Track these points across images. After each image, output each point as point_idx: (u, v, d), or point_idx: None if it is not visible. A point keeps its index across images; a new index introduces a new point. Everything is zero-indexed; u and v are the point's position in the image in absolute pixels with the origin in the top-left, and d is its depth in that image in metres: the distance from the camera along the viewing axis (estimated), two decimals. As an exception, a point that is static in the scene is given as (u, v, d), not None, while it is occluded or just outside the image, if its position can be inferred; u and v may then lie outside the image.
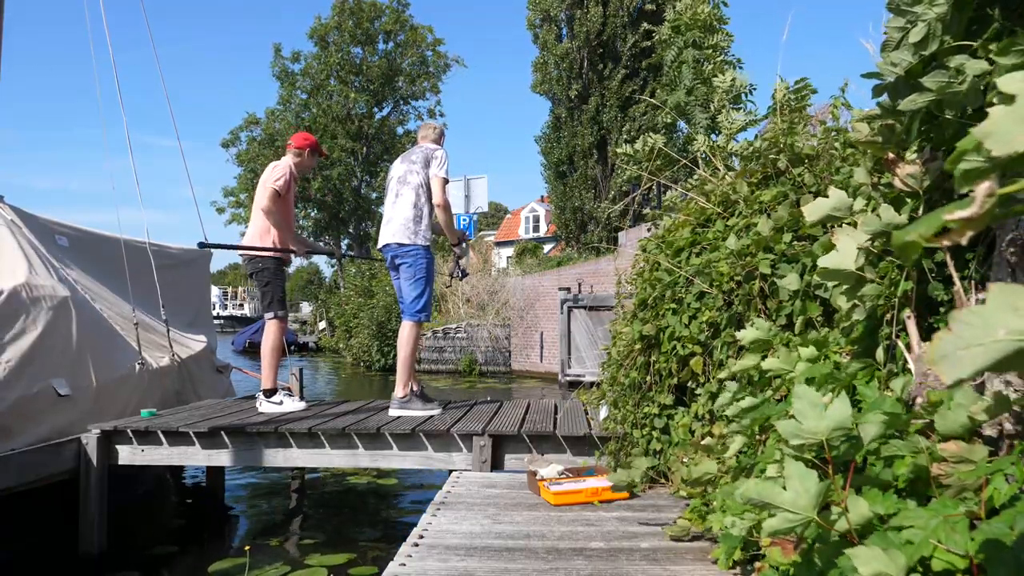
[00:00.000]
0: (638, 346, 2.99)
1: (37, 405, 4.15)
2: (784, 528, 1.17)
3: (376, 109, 33.17)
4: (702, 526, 2.27)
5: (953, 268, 1.49)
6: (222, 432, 4.03)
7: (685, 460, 2.57)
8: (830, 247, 1.59)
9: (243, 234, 5.04)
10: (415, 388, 4.54)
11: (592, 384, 3.85)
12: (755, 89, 4.03)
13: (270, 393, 4.73)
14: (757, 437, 1.87)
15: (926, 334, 1.56)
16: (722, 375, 2.43)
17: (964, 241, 0.71)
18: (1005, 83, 0.73)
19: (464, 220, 14.27)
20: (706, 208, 2.94)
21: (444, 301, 19.52)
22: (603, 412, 3.49)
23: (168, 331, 5.75)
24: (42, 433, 4.07)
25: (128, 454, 4.10)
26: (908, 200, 1.58)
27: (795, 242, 2.37)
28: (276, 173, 4.65)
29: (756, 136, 3.36)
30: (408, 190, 4.39)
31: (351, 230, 33.95)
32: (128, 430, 4.07)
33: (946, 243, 0.71)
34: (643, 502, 2.77)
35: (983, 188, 0.67)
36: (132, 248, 5.91)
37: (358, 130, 32.18)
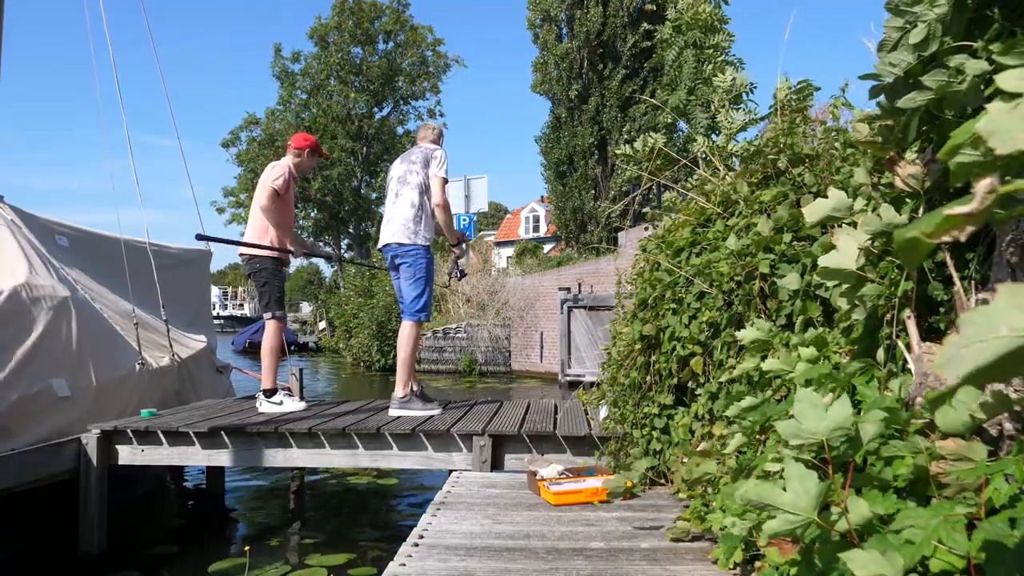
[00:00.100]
0: (638, 346, 2.99)
1: (37, 405, 4.15)
2: (784, 530, 1.17)
3: (376, 109, 33.17)
4: (702, 526, 2.27)
5: (953, 268, 1.49)
6: (222, 432, 4.03)
7: (685, 460, 2.57)
8: (830, 247, 1.59)
9: (242, 234, 5.02)
10: (415, 388, 4.54)
11: (592, 384, 3.85)
12: (755, 88, 4.03)
13: (270, 393, 4.73)
14: (757, 437, 1.87)
15: (926, 334, 1.56)
16: (723, 377, 2.43)
17: (963, 238, 0.71)
18: (1006, 80, 0.73)
19: (464, 220, 14.27)
20: (706, 208, 2.94)
21: (444, 301, 19.52)
22: (603, 412, 3.49)
23: (168, 331, 5.75)
24: (42, 433, 4.06)
25: (128, 454, 4.10)
26: (908, 200, 1.58)
27: (795, 242, 2.37)
28: (275, 173, 4.65)
29: (756, 136, 3.36)
30: (408, 190, 4.40)
31: (351, 230, 33.95)
32: (128, 430, 4.07)
33: (945, 239, 0.71)
34: (643, 502, 2.77)
35: (984, 185, 0.66)
36: (132, 248, 5.91)
37: (358, 130, 32.17)
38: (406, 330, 4.44)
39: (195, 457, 4.11)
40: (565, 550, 2.20)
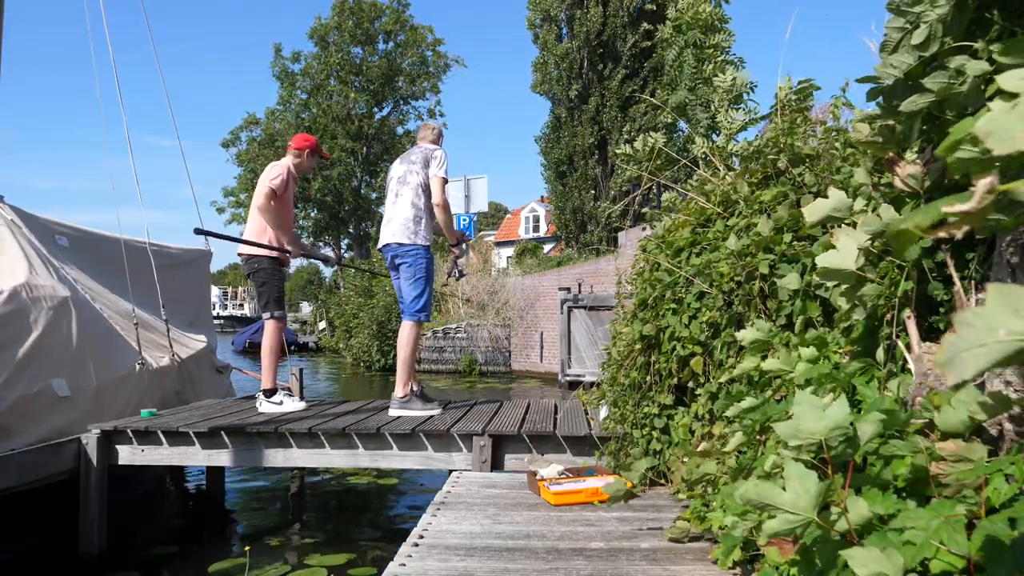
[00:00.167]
0: (638, 346, 2.99)
1: (37, 405, 4.15)
2: (784, 530, 1.17)
3: (376, 109, 33.17)
4: (701, 526, 2.27)
5: (953, 268, 1.49)
6: (222, 432, 4.03)
7: (685, 460, 2.57)
8: (829, 247, 1.59)
9: (242, 233, 5.01)
10: (415, 388, 4.54)
11: (592, 384, 3.85)
12: (756, 87, 4.02)
13: (270, 393, 4.72)
14: (757, 437, 1.87)
15: (926, 334, 1.56)
16: (723, 378, 2.44)
17: (959, 235, 0.70)
18: (1006, 80, 0.73)
19: (464, 220, 14.28)
20: (706, 208, 2.94)
21: (444, 301, 19.51)
22: (603, 412, 3.49)
23: (168, 331, 5.75)
24: (42, 433, 4.06)
25: (128, 454, 4.10)
26: (908, 200, 1.58)
27: (795, 242, 2.37)
28: (273, 172, 4.65)
29: (757, 136, 3.36)
30: (408, 190, 4.40)
31: (351, 230, 33.95)
32: (128, 430, 4.07)
33: (941, 235, 0.71)
34: (643, 502, 2.77)
35: (983, 184, 0.66)
36: (132, 248, 5.91)
37: (358, 130, 32.17)
38: (406, 330, 4.44)
39: (195, 457, 4.11)
40: (565, 550, 2.20)
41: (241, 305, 54.55)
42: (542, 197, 36.82)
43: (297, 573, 3.75)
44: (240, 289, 55.19)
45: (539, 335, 16.64)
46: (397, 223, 4.37)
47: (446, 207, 4.45)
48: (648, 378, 2.96)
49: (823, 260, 1.58)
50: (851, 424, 1.23)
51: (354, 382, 16.41)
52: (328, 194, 31.43)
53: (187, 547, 4.42)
